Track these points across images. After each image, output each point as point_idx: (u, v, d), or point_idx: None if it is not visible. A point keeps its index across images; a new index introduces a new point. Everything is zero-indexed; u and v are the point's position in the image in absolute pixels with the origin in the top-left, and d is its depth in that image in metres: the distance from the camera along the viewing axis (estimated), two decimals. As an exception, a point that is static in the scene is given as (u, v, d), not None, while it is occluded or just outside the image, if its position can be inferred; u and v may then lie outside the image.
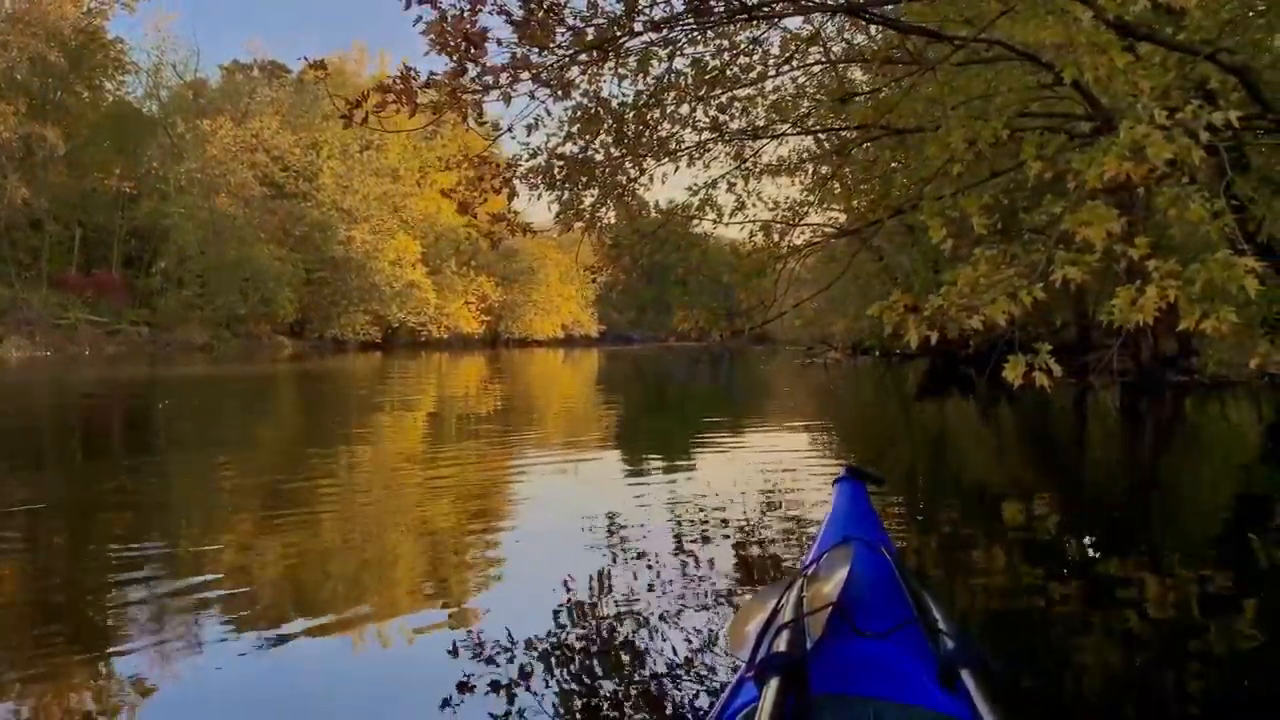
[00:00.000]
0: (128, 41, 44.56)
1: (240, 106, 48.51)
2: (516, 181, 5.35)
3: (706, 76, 5.23)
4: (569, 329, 63.05)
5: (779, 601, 2.20)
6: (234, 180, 43.88)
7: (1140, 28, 3.92)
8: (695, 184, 5.97)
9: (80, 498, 6.57)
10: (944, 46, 4.38)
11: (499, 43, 3.90)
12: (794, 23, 5.69)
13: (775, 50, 5.61)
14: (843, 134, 6.46)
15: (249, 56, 53.21)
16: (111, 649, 3.27)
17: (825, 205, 7.45)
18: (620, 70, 4.94)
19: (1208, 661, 3.23)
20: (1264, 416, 12.46)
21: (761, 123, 6.19)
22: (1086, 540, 5.29)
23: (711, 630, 3.40)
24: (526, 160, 5.34)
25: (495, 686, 2.89)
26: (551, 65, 4.19)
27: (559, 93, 4.43)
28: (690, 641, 3.28)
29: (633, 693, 2.87)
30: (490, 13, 3.79)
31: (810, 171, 7.51)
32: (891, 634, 1.93)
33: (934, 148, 4.30)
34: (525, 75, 4.09)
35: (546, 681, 2.93)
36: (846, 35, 6.92)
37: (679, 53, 5.05)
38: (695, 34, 4.89)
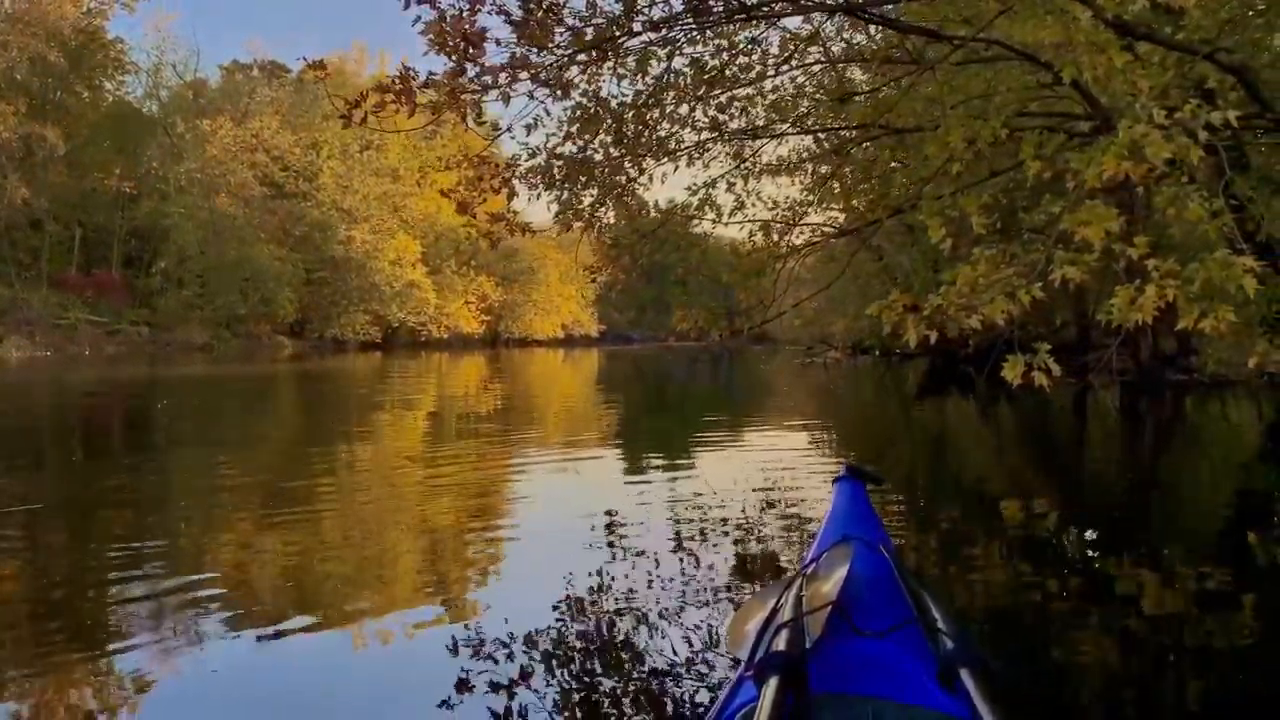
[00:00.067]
0: (128, 41, 44.64)
1: (240, 106, 48.50)
2: (516, 181, 5.35)
3: (706, 76, 5.23)
4: (569, 329, 63.05)
5: (778, 600, 2.21)
6: (234, 180, 43.87)
7: (1139, 27, 3.92)
8: (695, 184, 5.98)
9: (80, 496, 6.57)
10: (943, 46, 4.38)
11: (498, 43, 3.90)
12: (793, 22, 5.70)
13: (774, 50, 5.62)
14: (842, 133, 6.46)
15: (249, 56, 53.28)
16: (111, 647, 3.27)
17: (825, 205, 7.45)
18: (619, 70, 4.94)
19: (1207, 661, 3.23)
20: (1264, 416, 12.47)
21: (761, 122, 6.20)
22: (1086, 539, 5.29)
23: (711, 629, 3.40)
24: (526, 160, 5.35)
25: (495, 685, 2.89)
26: (550, 65, 4.19)
27: (558, 92, 4.43)
28: (690, 640, 3.29)
29: (632, 691, 2.87)
30: (489, 13, 3.79)
31: (809, 171, 7.52)
32: (891, 633, 1.93)
33: (933, 147, 4.30)
34: (524, 75, 4.09)
35: (546, 679, 2.94)
36: (846, 35, 6.91)
37: (678, 52, 5.05)
38: (694, 34, 4.89)
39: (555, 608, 3.69)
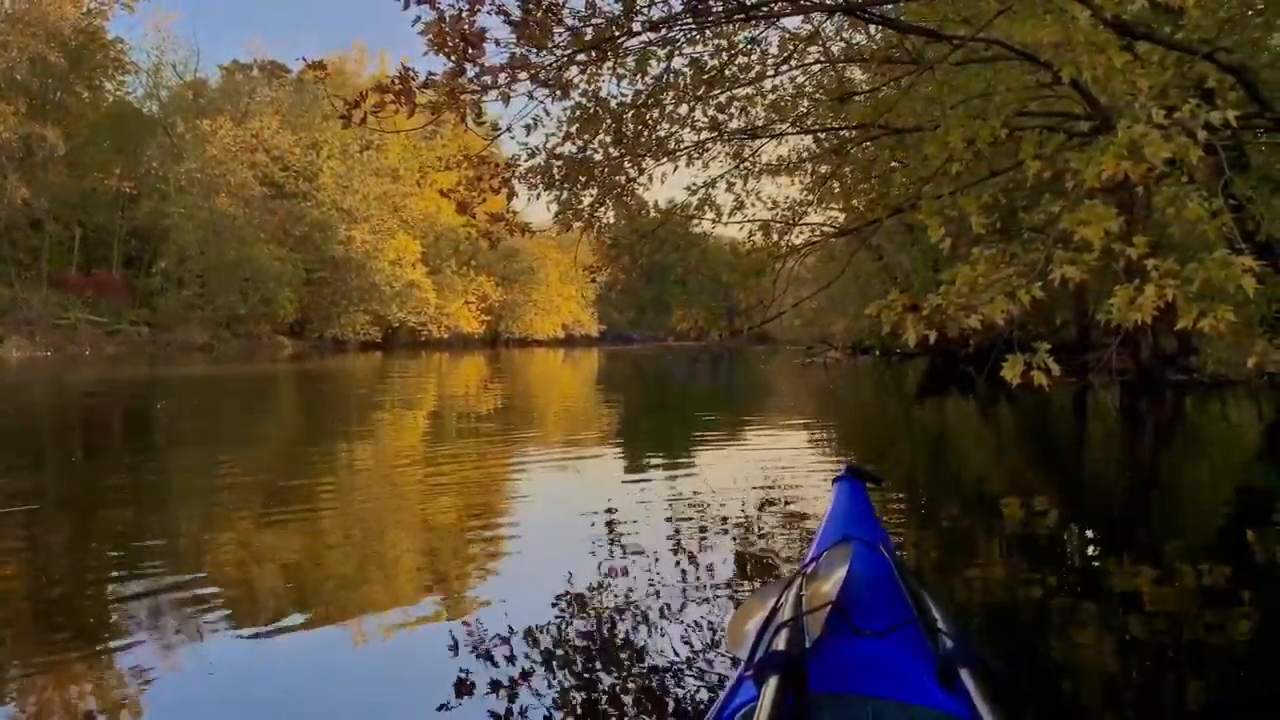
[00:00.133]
0: (128, 42, 44.61)
1: (240, 106, 48.50)
2: (515, 181, 5.35)
3: (705, 76, 5.23)
4: (569, 329, 63.05)
5: (778, 600, 2.21)
6: (234, 180, 43.86)
7: (1138, 27, 3.92)
8: (694, 184, 5.98)
9: (80, 495, 6.57)
10: (943, 46, 4.38)
11: (497, 43, 3.91)
12: (792, 22, 5.70)
13: (774, 50, 5.62)
14: (842, 133, 6.46)
15: (249, 56, 53.26)
16: (111, 646, 3.27)
17: (824, 205, 7.44)
18: (619, 70, 4.94)
19: (1207, 660, 3.23)
20: (1264, 415, 12.47)
21: (760, 122, 6.20)
22: (1086, 539, 5.30)
23: (711, 628, 3.40)
24: (525, 160, 5.35)
25: (495, 684, 2.89)
26: (550, 65, 4.19)
27: (557, 93, 4.43)
28: (690, 639, 3.29)
29: (632, 690, 2.87)
30: (488, 13, 3.79)
31: (809, 171, 7.52)
32: (890, 633, 1.93)
33: (933, 147, 4.30)
34: (523, 75, 4.09)
35: (546, 679, 2.94)
36: (845, 35, 6.92)
37: (677, 52, 5.05)
38: (693, 34, 4.89)
39: (555, 606, 3.70)
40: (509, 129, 4.91)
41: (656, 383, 24.14)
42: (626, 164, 5.65)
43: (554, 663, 3.09)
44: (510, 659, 3.12)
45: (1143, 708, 2.90)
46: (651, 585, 3.98)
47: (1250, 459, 9.16)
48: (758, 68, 5.56)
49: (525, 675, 2.97)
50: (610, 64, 4.75)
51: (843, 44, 6.74)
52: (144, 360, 31.10)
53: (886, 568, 2.35)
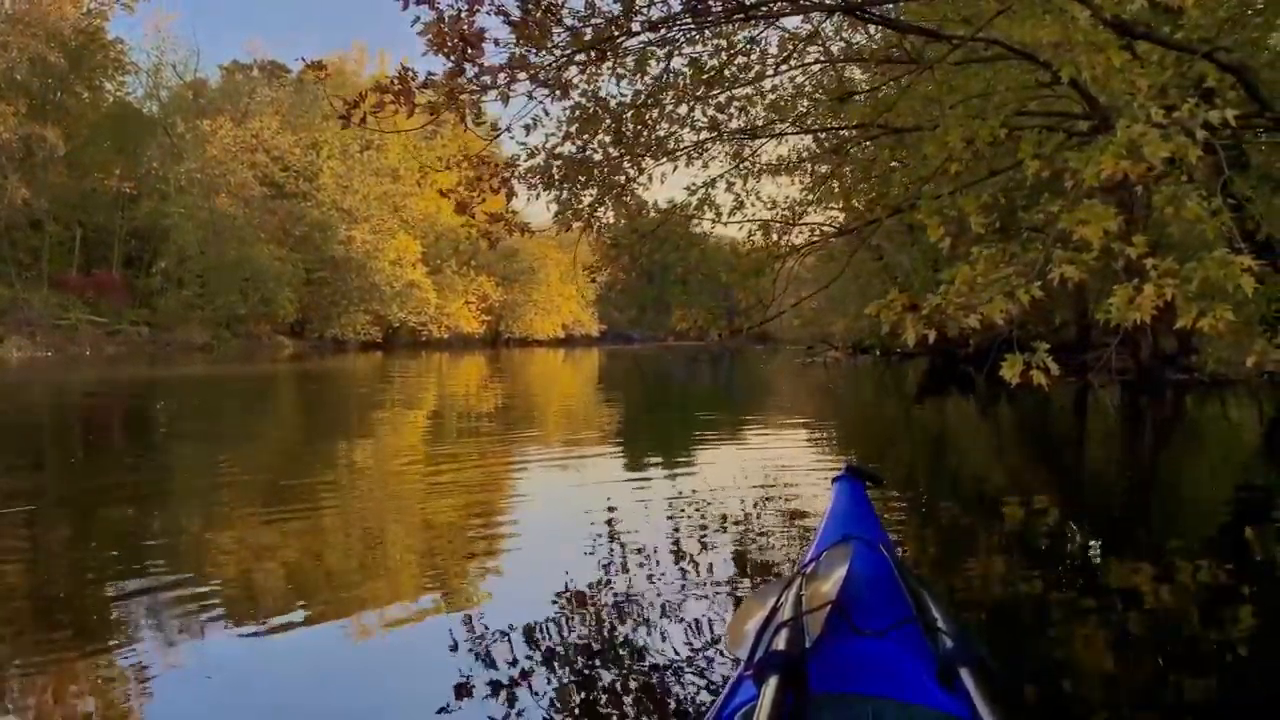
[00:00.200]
0: (128, 42, 44.55)
1: (240, 107, 48.49)
2: (515, 181, 5.35)
3: (704, 76, 5.23)
4: (569, 328, 63.03)
5: (778, 600, 2.21)
6: (234, 180, 43.85)
7: (1138, 26, 3.92)
8: (694, 183, 5.98)
9: (81, 494, 6.57)
10: (942, 46, 4.39)
11: (496, 43, 3.91)
12: (792, 22, 5.70)
13: (773, 50, 5.62)
14: (841, 133, 6.47)
15: (249, 56, 53.21)
16: (111, 645, 3.27)
17: (824, 204, 7.45)
18: (618, 70, 4.94)
19: (1207, 660, 3.23)
20: (1264, 414, 12.47)
21: (760, 122, 6.20)
22: (1086, 539, 5.30)
23: (711, 628, 3.40)
24: (525, 160, 5.35)
25: (495, 682, 2.89)
26: (549, 65, 4.19)
27: (557, 93, 4.44)
28: (690, 639, 3.29)
29: (632, 689, 2.87)
30: (488, 13, 3.79)
31: (809, 170, 7.53)
32: (890, 632, 1.94)
33: (932, 147, 4.30)
34: (523, 75, 4.10)
35: (546, 678, 2.94)
36: (845, 34, 6.92)
37: (677, 52, 5.06)
38: (693, 34, 4.89)
39: (555, 605, 3.70)
40: (508, 129, 4.92)
41: (656, 382, 24.15)
42: (626, 164, 5.65)
43: (554, 661, 3.09)
44: (510, 657, 3.12)
45: (1143, 707, 2.90)
46: (651, 584, 3.98)
47: (1250, 458, 9.16)
48: (757, 67, 5.56)
49: (525, 674, 2.97)
50: (609, 64, 4.75)
51: (842, 44, 6.75)
52: (144, 360, 31.10)
53: (886, 567, 2.36)
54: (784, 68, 5.80)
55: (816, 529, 2.90)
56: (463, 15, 3.75)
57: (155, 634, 3.42)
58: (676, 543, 4.81)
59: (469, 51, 3.73)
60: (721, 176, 6.10)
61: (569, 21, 4.09)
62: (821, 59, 6.25)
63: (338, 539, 5.19)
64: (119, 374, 23.32)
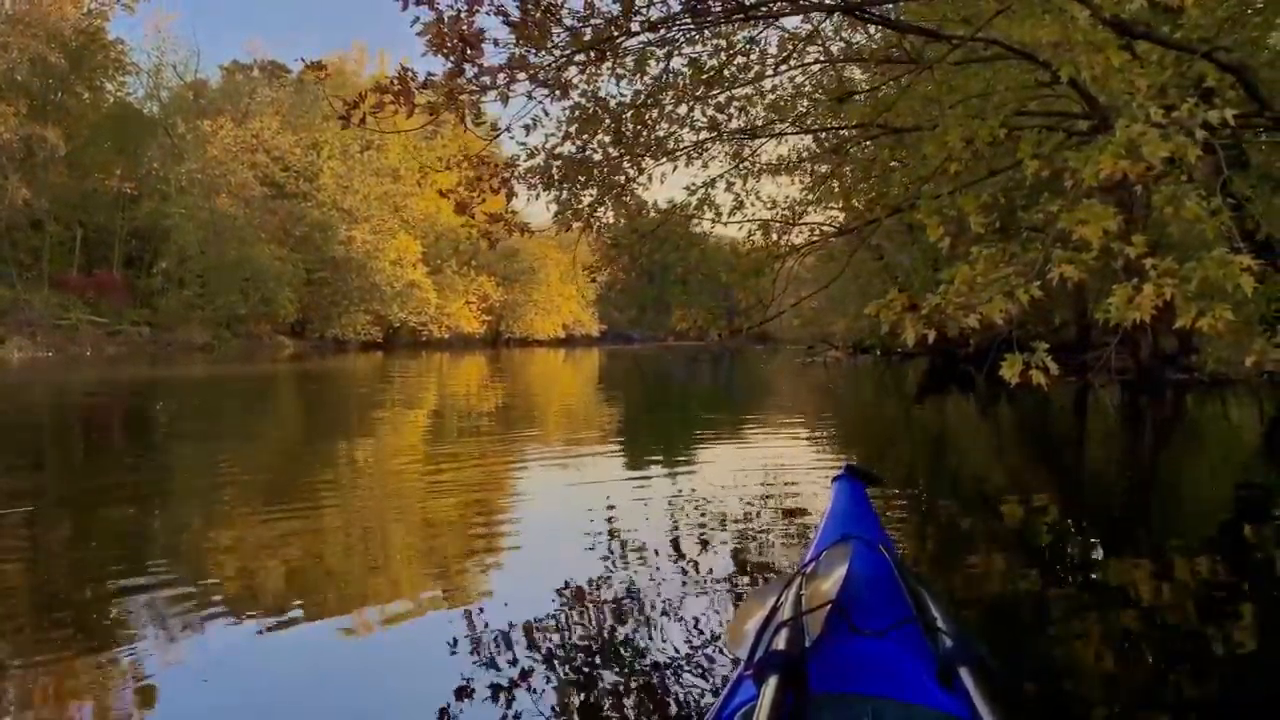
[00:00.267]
0: (128, 42, 44.52)
1: (240, 107, 48.49)
2: (515, 181, 5.36)
3: (704, 76, 5.23)
4: (570, 328, 63.03)
5: (778, 599, 2.21)
6: (234, 180, 43.85)
7: (1137, 26, 3.92)
8: (694, 183, 5.99)
9: (81, 494, 6.57)
10: (942, 45, 4.39)
11: (496, 43, 3.91)
12: (791, 22, 5.70)
13: (773, 50, 5.62)
14: (841, 133, 6.47)
15: (249, 57, 53.21)
16: (111, 644, 3.27)
17: (824, 204, 7.46)
18: (618, 70, 4.94)
19: (1207, 659, 3.23)
20: (1264, 414, 12.46)
21: (760, 122, 6.20)
22: (1086, 539, 5.30)
23: (711, 627, 3.41)
24: (525, 160, 5.35)
25: (495, 682, 2.89)
26: (549, 65, 4.19)
27: (556, 93, 4.44)
28: (690, 638, 3.29)
29: (633, 690, 2.87)
30: (487, 13, 3.79)
31: (809, 170, 7.53)
32: (890, 632, 1.94)
33: (931, 146, 4.30)
34: (522, 75, 4.10)
35: (546, 677, 2.94)
36: (844, 34, 6.92)
37: (676, 52, 5.06)
38: (692, 34, 4.89)
39: (555, 604, 3.70)
40: (508, 129, 4.92)
41: (656, 382, 24.15)
42: (626, 164, 5.65)
43: (554, 660, 3.09)
44: (510, 656, 3.12)
45: (1142, 706, 2.90)
46: (651, 583, 3.98)
47: (1250, 457, 9.16)
48: (757, 67, 5.56)
49: (525, 673, 2.97)
50: (609, 64, 4.75)
51: (842, 44, 6.75)
52: (145, 360, 31.11)
53: (886, 567, 2.36)
54: (784, 68, 5.80)
55: (816, 528, 2.90)
56: (462, 15, 3.75)
57: (155, 633, 3.43)
58: (676, 542, 4.81)
59: (468, 52, 3.73)
60: (721, 176, 6.11)
61: (568, 22, 4.09)
62: (821, 59, 6.25)
63: (338, 538, 5.19)
64: (119, 374, 23.32)
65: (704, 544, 4.77)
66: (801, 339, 27.58)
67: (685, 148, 5.88)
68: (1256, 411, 12.79)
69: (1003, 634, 3.52)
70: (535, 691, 2.84)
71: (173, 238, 42.05)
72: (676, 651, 3.16)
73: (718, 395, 19.20)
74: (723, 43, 5.34)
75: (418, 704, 2.83)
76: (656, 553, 4.54)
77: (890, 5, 5.05)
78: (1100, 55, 3.28)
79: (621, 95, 5.34)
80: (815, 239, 6.60)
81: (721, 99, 5.71)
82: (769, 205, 6.57)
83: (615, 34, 4.21)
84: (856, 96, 5.98)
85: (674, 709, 2.74)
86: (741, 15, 4.39)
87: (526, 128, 4.75)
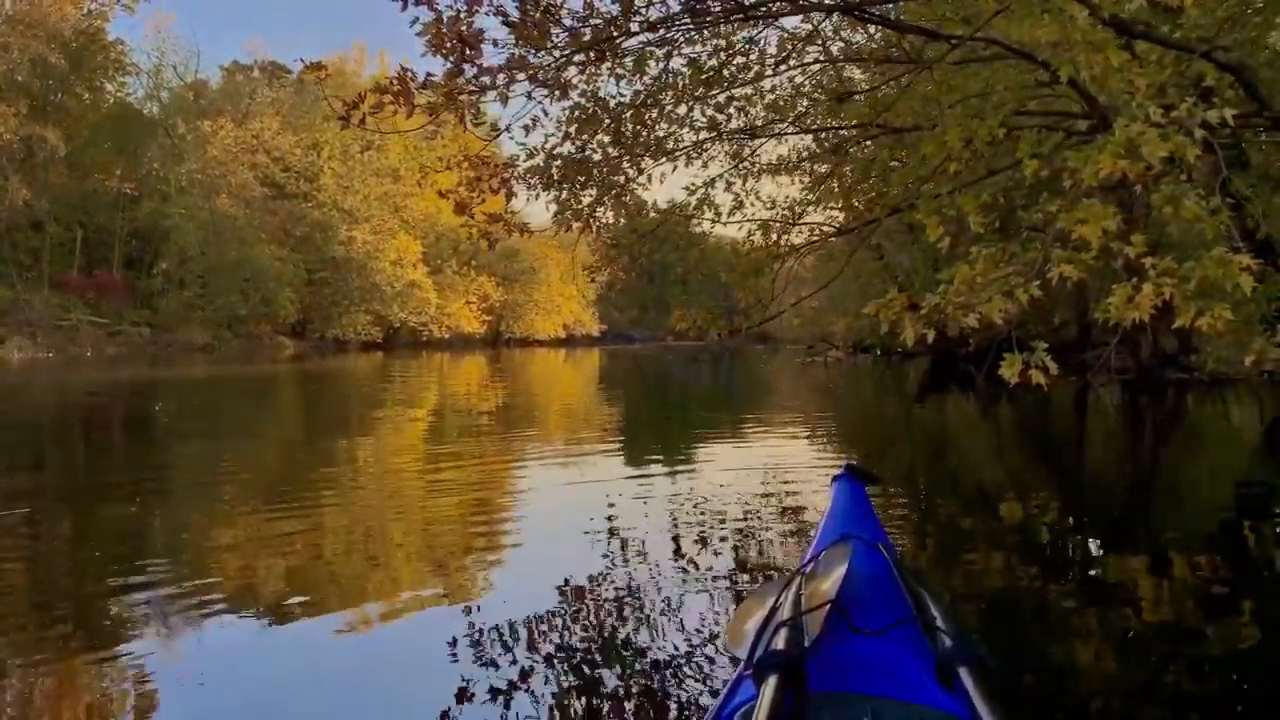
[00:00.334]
0: (128, 43, 44.62)
1: (241, 107, 48.52)
2: (514, 181, 5.35)
3: (703, 76, 5.23)
4: (570, 328, 63.06)
5: (777, 599, 2.21)
6: (235, 181, 43.89)
7: (1136, 25, 3.92)
8: (693, 183, 5.98)
9: (82, 494, 6.57)
10: (941, 45, 4.39)
11: (495, 43, 3.91)
12: (791, 22, 5.70)
13: (772, 50, 5.62)
14: (841, 133, 6.46)
15: (249, 57, 53.35)
16: (112, 643, 3.27)
17: (824, 204, 7.45)
18: (617, 70, 4.94)
19: (1206, 659, 3.23)
20: (1265, 413, 12.46)
21: (759, 122, 6.20)
22: (1086, 539, 5.30)
23: (711, 626, 3.41)
24: (524, 160, 5.35)
25: (494, 682, 2.89)
26: (548, 66, 4.20)
27: (556, 93, 4.44)
28: (689, 637, 3.29)
29: (632, 690, 2.88)
30: (486, 14, 3.80)
31: (808, 170, 7.53)
32: (889, 632, 1.94)
33: (931, 146, 4.30)
34: (522, 76, 4.10)
35: (546, 676, 2.94)
36: (844, 34, 6.92)
37: (676, 52, 5.05)
38: (691, 34, 4.89)
39: (555, 604, 3.71)
40: (508, 129, 4.92)
41: (657, 382, 24.15)
42: (625, 164, 5.65)
43: (554, 659, 3.09)
44: (510, 656, 3.12)
45: (1142, 706, 2.90)
46: (651, 582, 3.99)
47: (1250, 457, 9.16)
48: (756, 67, 5.56)
49: (525, 673, 2.97)
50: (608, 64, 4.75)
51: (841, 44, 6.75)
52: (145, 361, 31.12)
53: (885, 566, 2.36)
54: (783, 68, 5.80)
55: (816, 528, 2.90)
56: (461, 16, 3.75)
57: (155, 633, 3.43)
58: (676, 541, 4.81)
59: (468, 52, 3.74)
60: (721, 176, 6.10)
61: (567, 22, 4.09)
62: (821, 59, 6.25)
63: (338, 537, 5.19)
64: (120, 374, 23.32)
65: (704, 543, 4.77)
66: (801, 339, 27.56)
67: (685, 148, 5.88)
68: (1256, 411, 12.78)
69: (1002, 633, 3.53)
70: (535, 690, 2.84)
71: (173, 238, 42.08)
72: (676, 651, 3.16)
73: (718, 395, 19.19)
74: (722, 43, 5.34)
75: (418, 703, 2.83)
76: (656, 552, 4.54)
77: (890, 5, 5.05)
78: (1099, 55, 3.28)
79: (621, 95, 5.35)
80: (815, 239, 6.59)
81: (721, 99, 5.71)
82: (769, 205, 6.57)
83: (614, 34, 4.21)
84: (856, 96, 5.98)
85: (674, 708, 2.74)
86: (741, 15, 4.39)
87: (526, 128, 4.75)
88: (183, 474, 7.94)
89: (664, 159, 5.80)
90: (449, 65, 3.82)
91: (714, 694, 2.62)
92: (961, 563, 4.57)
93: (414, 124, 4.43)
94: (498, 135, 5.17)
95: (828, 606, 1.97)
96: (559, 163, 5.32)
